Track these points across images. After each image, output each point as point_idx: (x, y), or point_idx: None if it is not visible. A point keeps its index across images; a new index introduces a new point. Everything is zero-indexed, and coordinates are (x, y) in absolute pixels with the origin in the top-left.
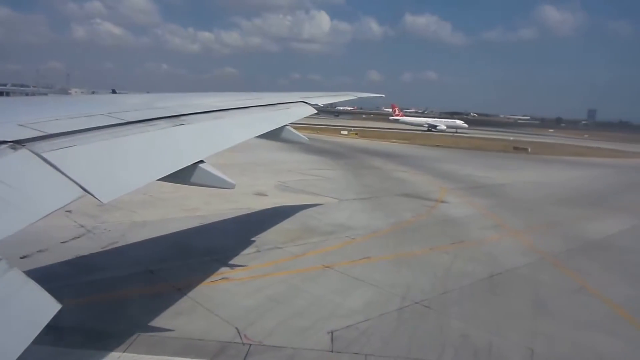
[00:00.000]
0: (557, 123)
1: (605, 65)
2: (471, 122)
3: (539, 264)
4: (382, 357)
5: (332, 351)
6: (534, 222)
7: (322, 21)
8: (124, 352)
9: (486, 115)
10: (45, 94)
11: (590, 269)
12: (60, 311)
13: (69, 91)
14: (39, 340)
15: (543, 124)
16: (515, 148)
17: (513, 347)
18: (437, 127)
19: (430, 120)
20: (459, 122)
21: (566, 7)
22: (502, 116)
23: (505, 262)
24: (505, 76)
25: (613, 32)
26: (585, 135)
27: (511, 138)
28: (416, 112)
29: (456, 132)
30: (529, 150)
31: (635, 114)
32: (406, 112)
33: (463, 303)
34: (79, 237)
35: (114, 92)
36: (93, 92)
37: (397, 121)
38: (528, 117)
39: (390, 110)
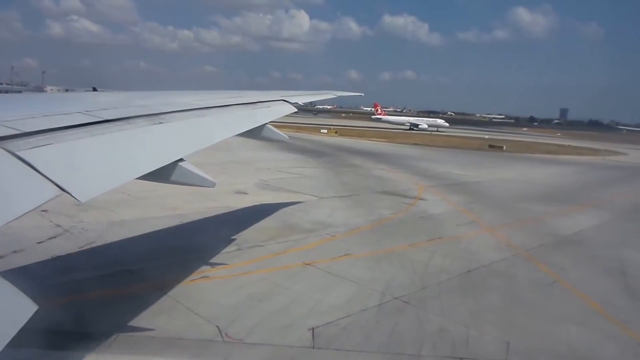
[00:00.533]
0: (530, 122)
1: (576, 65)
2: (448, 121)
3: (514, 259)
4: (363, 352)
5: (313, 347)
6: (509, 218)
7: (302, 20)
8: (103, 353)
9: (463, 114)
10: (20, 92)
11: (563, 263)
12: (37, 312)
13: (45, 89)
14: (15, 342)
15: (517, 122)
16: (491, 146)
17: (490, 341)
18: (419, 126)
19: (412, 119)
20: (440, 121)
21: (538, 9)
22: (478, 115)
23: (481, 257)
24: (480, 76)
25: (583, 34)
26: (558, 134)
27: (486, 136)
28: (395, 111)
29: (437, 131)
30: (504, 148)
31: (605, 113)
32: (385, 111)
33: (441, 298)
34: (55, 237)
35: (94, 89)
36: (67, 90)
37: (379, 120)
38: (503, 116)
39: (370, 109)
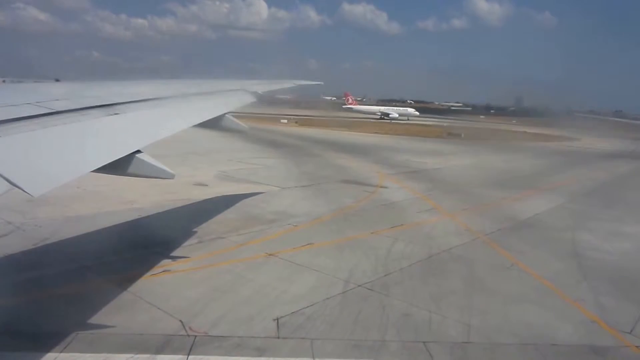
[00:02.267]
0: (487, 109)
1: (530, 54)
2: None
3: (473, 244)
4: (328, 340)
5: (278, 337)
6: (468, 204)
7: (260, 8)
8: (60, 352)
9: (422, 102)
10: None
11: (520, 246)
12: None
13: None
14: None
15: (474, 110)
16: (449, 134)
17: (451, 324)
18: (390, 115)
19: (382, 109)
20: (411, 110)
21: None
22: (437, 103)
23: (442, 243)
24: (439, 64)
25: (537, 23)
26: (513, 121)
27: (445, 124)
28: (354, 100)
29: (408, 120)
30: (462, 135)
31: (558, 101)
32: (344, 100)
33: (404, 284)
34: (6, 235)
35: (57, 81)
36: (4, 81)
37: (350, 110)
38: (460, 104)
39: (330, 98)
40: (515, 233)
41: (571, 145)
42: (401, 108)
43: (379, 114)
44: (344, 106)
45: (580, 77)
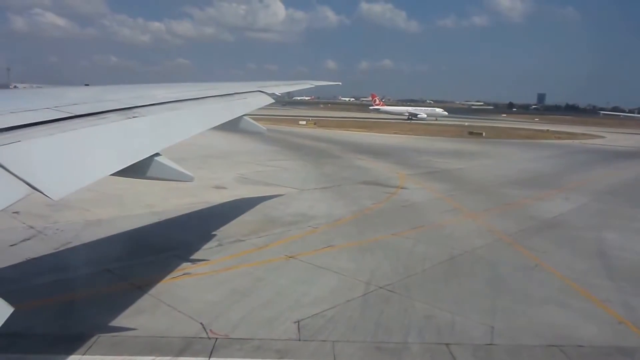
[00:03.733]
0: (509, 108)
1: (553, 50)
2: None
3: (496, 244)
4: (349, 342)
5: (299, 340)
6: (490, 204)
7: (277, 10)
8: (83, 354)
9: (442, 101)
10: None
11: (544, 246)
12: (12, 315)
13: (10, 86)
14: None
15: (496, 109)
16: (471, 133)
17: (474, 325)
18: (418, 116)
19: (410, 109)
20: (439, 110)
21: None
22: (457, 102)
23: (464, 244)
24: (459, 63)
25: (560, 18)
26: (536, 119)
27: (466, 123)
28: (381, 101)
29: (436, 120)
30: (484, 134)
31: (581, 98)
32: (363, 100)
33: (426, 285)
34: (29, 239)
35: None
36: (15, 86)
37: (377, 111)
38: (481, 103)
39: (348, 99)
40: (538, 233)
41: (595, 143)
42: (429, 108)
43: (407, 114)
44: (370, 107)
45: (604, 73)
